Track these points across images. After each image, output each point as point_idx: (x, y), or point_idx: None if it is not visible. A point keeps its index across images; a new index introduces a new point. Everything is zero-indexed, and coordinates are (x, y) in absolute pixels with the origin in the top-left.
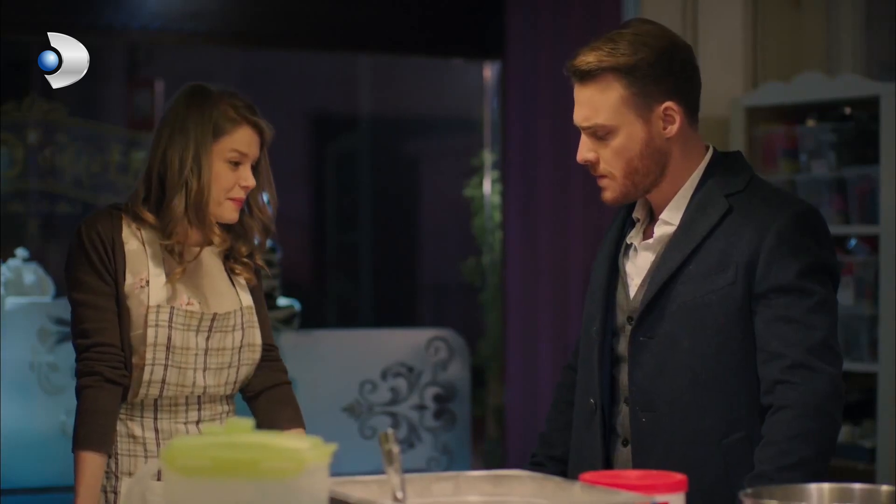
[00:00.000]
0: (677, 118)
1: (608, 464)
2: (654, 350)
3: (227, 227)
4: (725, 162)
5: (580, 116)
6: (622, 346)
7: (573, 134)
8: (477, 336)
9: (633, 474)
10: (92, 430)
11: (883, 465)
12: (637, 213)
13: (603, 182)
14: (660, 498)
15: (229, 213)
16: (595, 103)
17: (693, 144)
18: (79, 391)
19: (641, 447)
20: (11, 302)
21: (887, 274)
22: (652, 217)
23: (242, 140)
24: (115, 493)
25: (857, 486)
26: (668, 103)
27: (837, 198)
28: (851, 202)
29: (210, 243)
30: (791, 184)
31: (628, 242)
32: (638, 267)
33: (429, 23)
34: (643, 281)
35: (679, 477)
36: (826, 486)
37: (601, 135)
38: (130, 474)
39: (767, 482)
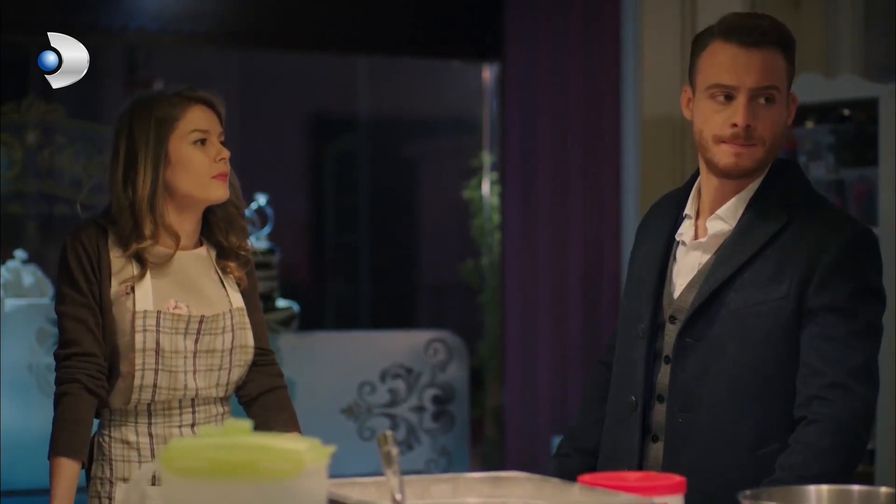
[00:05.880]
0: (794, 110)
1: (642, 460)
2: (699, 353)
3: (213, 223)
4: (786, 171)
5: (756, 77)
6: (662, 344)
7: (572, 135)
8: (476, 338)
9: (632, 476)
10: (71, 438)
11: (882, 466)
12: (689, 210)
13: (749, 151)
14: (659, 500)
15: (218, 192)
16: (770, 69)
17: None
18: (58, 398)
19: (674, 446)
20: (10, 303)
21: (886, 275)
22: (698, 214)
23: (197, 117)
24: (110, 498)
25: (856, 487)
26: (793, 93)
27: (836, 199)
28: (850, 203)
29: (179, 244)
30: None
31: (678, 239)
32: (685, 266)
33: (428, 24)
34: (691, 281)
35: (678, 479)
36: (825, 487)
37: (769, 101)
38: (125, 480)
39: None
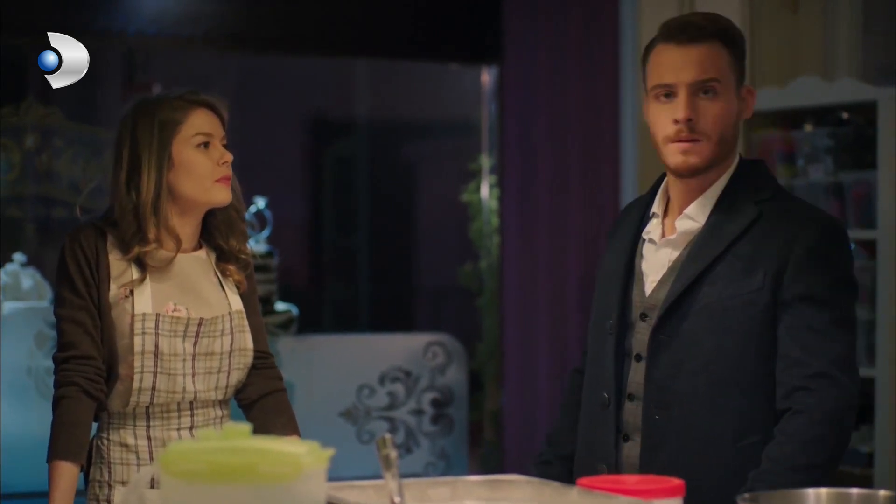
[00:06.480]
0: (752, 103)
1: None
2: (672, 349)
3: (213, 226)
4: (753, 169)
5: (693, 72)
6: (632, 342)
7: (571, 138)
8: (475, 341)
9: (630, 479)
10: (69, 442)
11: (881, 469)
12: (656, 208)
13: (694, 147)
14: (657, 503)
15: (221, 195)
16: (709, 62)
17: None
18: (56, 401)
19: (651, 444)
20: (9, 306)
21: (885, 278)
22: (666, 213)
23: (200, 121)
24: (109, 501)
25: (855, 490)
26: (748, 86)
27: (835, 202)
28: (849, 207)
29: (181, 247)
30: (788, 189)
31: (645, 237)
32: (655, 263)
33: (426, 27)
34: (662, 278)
35: (676, 482)
36: (824, 490)
37: (709, 94)
38: (124, 483)
39: (772, 480)
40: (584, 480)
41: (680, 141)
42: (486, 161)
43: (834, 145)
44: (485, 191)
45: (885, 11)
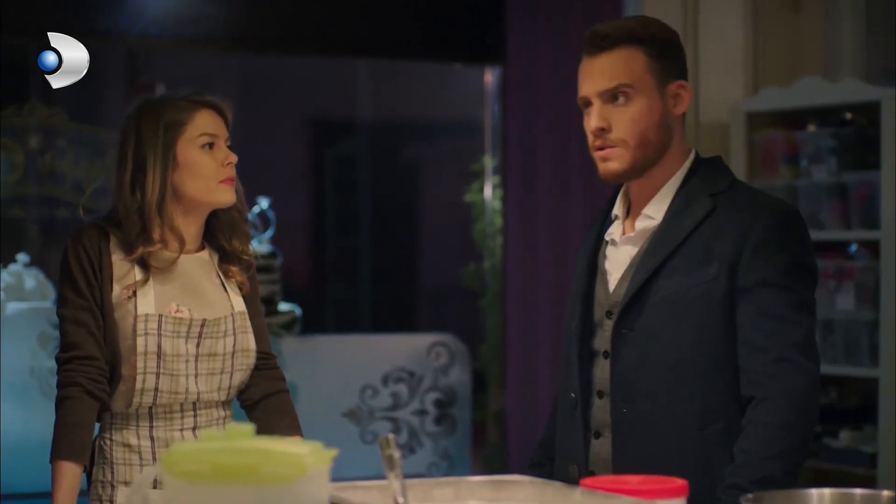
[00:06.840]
0: (686, 98)
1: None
2: (635, 342)
3: (215, 227)
4: (708, 165)
5: (601, 81)
6: (598, 342)
7: (573, 139)
8: (478, 341)
9: (633, 479)
10: (73, 442)
11: (884, 470)
12: (617, 210)
13: (612, 153)
14: (660, 503)
15: (225, 196)
16: (617, 69)
17: (683, 136)
18: (59, 402)
19: (620, 438)
20: (12, 307)
21: (888, 279)
22: (629, 215)
23: (204, 122)
24: (112, 502)
25: (858, 491)
26: (681, 81)
27: (838, 203)
28: (852, 207)
29: (185, 248)
30: (791, 189)
31: (607, 239)
32: (617, 261)
33: (429, 27)
34: (623, 275)
35: (680, 482)
36: (827, 491)
37: (621, 100)
38: (126, 483)
39: (749, 472)
40: (587, 481)
41: (598, 150)
42: (489, 161)
43: (837, 146)
44: (488, 191)
45: (887, 12)
